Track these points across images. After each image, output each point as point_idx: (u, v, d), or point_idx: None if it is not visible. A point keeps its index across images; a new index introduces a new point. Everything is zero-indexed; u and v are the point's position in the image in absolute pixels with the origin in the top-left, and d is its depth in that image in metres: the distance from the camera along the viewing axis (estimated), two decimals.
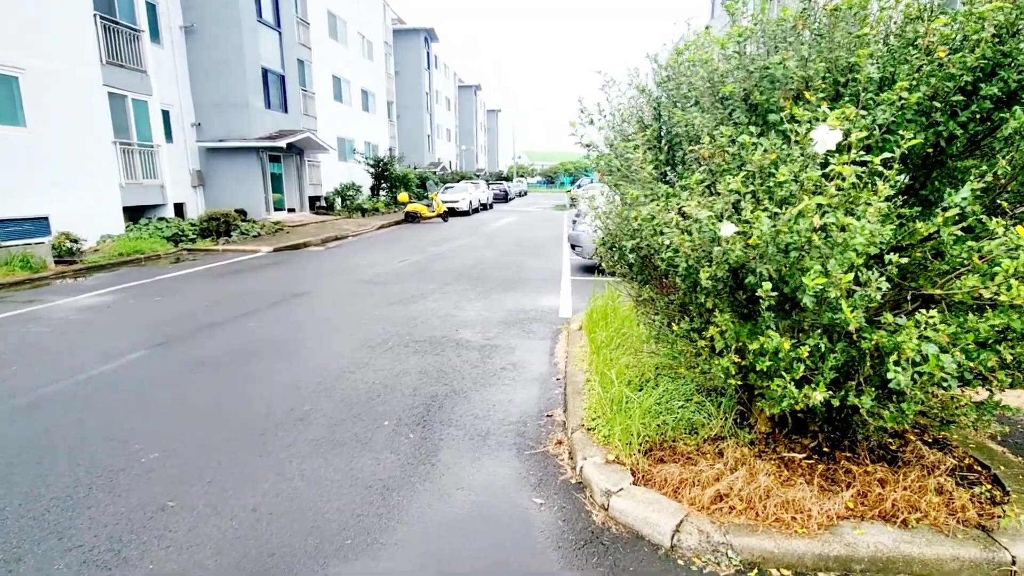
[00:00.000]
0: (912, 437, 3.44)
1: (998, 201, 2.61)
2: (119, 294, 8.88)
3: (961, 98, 2.40)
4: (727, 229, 2.21)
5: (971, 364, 2.20)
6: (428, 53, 44.73)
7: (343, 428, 3.95)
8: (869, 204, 2.17)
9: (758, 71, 2.59)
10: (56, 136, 12.76)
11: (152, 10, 16.77)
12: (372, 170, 29.36)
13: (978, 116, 2.47)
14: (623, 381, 4.12)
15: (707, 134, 2.61)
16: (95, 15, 13.73)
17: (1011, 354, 2.23)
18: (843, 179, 2.26)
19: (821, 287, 2.22)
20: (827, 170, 2.29)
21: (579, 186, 44.72)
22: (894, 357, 2.17)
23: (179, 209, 17.68)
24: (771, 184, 2.26)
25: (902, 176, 2.63)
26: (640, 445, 3.36)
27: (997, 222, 2.14)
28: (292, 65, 21.70)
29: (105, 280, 10.19)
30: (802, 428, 3.38)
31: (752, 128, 2.41)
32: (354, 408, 4.30)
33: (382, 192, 29.95)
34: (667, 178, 3.19)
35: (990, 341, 2.34)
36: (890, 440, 3.37)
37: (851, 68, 2.45)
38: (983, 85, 2.38)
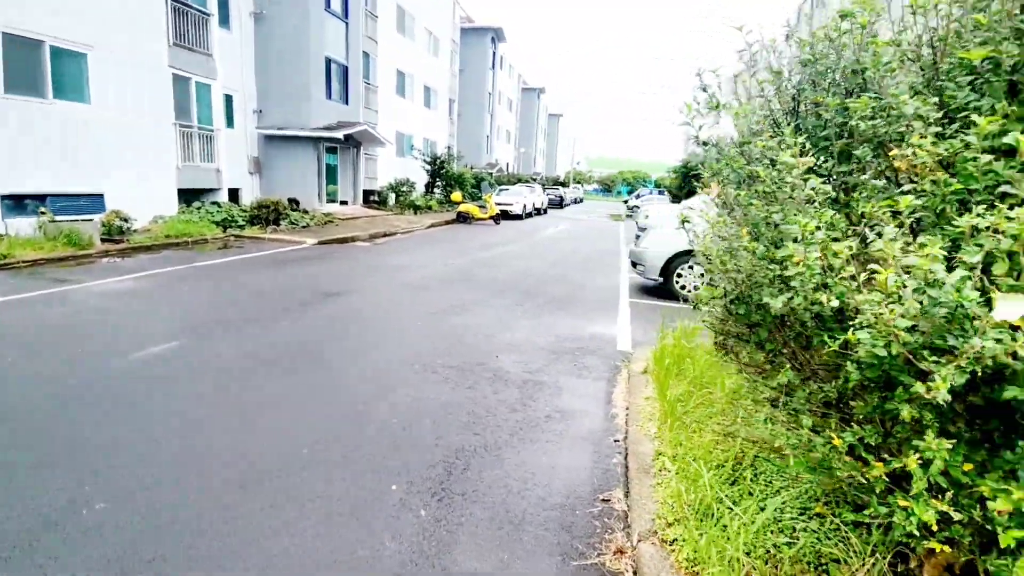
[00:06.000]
0: None
1: None
2: (149, 280, 8.46)
3: None
4: (1007, 309, 1.17)
5: None
6: (494, 53, 44.28)
7: (343, 486, 3.10)
8: None
9: None
10: (118, 114, 12.73)
11: None
12: (428, 167, 29.02)
13: None
14: (710, 467, 3.09)
15: (920, 132, 1.57)
16: None
17: None
18: None
19: None
20: None
21: (637, 195, 42.84)
22: None
23: (234, 194, 17.63)
24: None
25: None
26: None
27: None
28: (357, 57, 21.46)
29: (145, 263, 9.87)
30: None
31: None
32: (352, 455, 3.45)
33: (436, 190, 29.56)
34: (837, 199, 2.11)
35: None
36: None
37: None
38: None
